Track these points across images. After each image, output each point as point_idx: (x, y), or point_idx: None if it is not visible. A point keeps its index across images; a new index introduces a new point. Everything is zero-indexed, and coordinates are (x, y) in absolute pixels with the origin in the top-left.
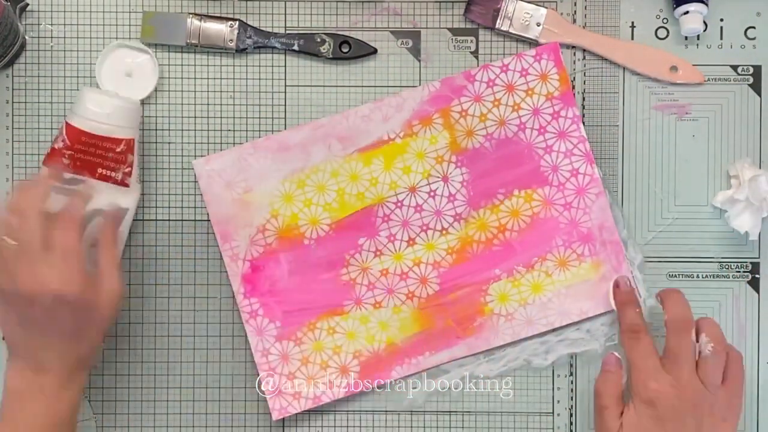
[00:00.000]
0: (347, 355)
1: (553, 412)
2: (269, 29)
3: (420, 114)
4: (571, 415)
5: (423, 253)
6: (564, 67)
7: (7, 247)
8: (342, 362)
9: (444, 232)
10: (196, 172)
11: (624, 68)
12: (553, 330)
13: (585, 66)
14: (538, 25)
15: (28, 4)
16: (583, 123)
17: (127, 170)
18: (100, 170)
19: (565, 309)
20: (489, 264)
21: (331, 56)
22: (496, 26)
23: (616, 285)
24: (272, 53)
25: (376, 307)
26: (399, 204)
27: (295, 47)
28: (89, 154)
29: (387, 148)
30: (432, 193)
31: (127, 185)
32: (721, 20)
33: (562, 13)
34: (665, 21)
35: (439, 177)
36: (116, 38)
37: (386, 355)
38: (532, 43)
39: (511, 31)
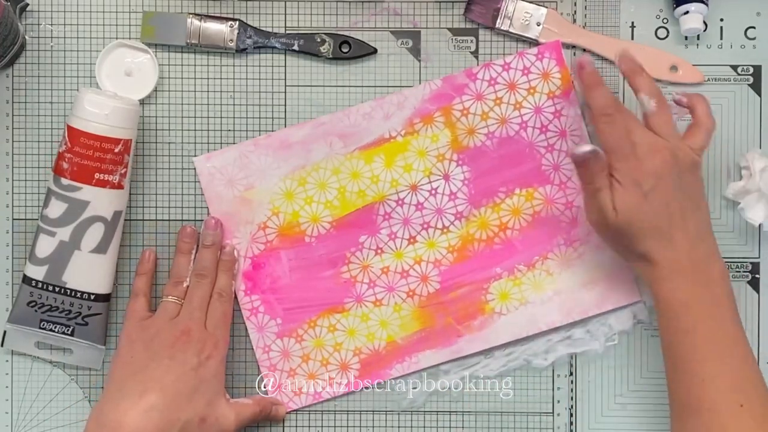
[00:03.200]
0: (347, 352)
1: (553, 412)
2: (269, 29)
3: (421, 112)
4: (571, 415)
5: (424, 251)
6: (566, 65)
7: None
8: (342, 359)
9: (445, 230)
10: (197, 169)
11: None
12: (555, 329)
13: None
14: (538, 24)
15: (28, 4)
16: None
17: (123, 171)
18: (97, 175)
19: (566, 308)
20: (490, 262)
21: (331, 56)
22: (496, 26)
23: (580, 66)
24: (272, 53)
25: (376, 305)
26: (400, 202)
27: (295, 47)
28: (88, 157)
29: (388, 146)
30: (433, 192)
31: (122, 187)
32: (721, 20)
33: (562, 13)
34: (665, 21)
35: (440, 175)
36: (116, 38)
37: (386, 353)
38: (532, 42)
39: (511, 30)
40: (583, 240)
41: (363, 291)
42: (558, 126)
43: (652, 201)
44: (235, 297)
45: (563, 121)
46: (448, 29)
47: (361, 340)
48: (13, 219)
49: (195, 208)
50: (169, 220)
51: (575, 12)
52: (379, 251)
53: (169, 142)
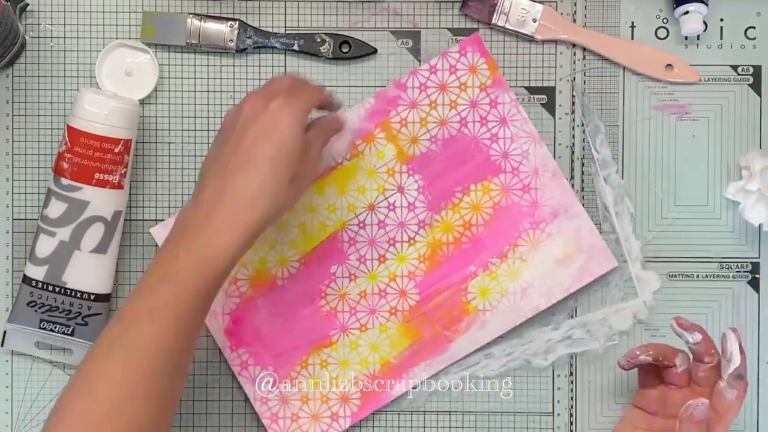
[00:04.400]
0: (345, 383)
1: (553, 412)
2: (269, 29)
3: (361, 133)
4: (571, 415)
5: (396, 267)
6: (490, 55)
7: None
8: (341, 391)
9: (411, 241)
10: (155, 239)
11: (624, 68)
12: (554, 329)
13: (585, 66)
14: (535, 21)
15: (28, 4)
16: (583, 116)
17: (123, 171)
18: (97, 175)
19: (547, 290)
20: (463, 263)
21: (331, 56)
22: (492, 22)
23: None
24: (272, 53)
25: (362, 330)
26: (361, 225)
27: (295, 47)
28: (88, 157)
29: (337, 174)
30: (391, 207)
31: (122, 187)
32: (721, 20)
33: (562, 13)
34: (665, 21)
35: (394, 189)
36: (116, 38)
37: (383, 374)
38: (529, 39)
39: (507, 26)
40: (547, 219)
41: (346, 320)
42: (497, 115)
43: None
44: (221, 353)
45: (501, 108)
46: (448, 29)
47: (355, 369)
48: (13, 219)
49: None
50: None
51: (575, 12)
52: (352, 277)
53: (169, 142)
